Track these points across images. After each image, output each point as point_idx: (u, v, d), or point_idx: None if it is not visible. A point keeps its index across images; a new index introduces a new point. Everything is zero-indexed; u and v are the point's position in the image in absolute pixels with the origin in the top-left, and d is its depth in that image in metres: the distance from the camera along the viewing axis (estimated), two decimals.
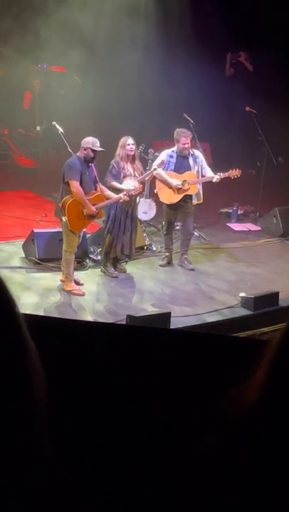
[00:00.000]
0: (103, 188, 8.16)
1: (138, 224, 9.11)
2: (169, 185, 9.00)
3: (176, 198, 9.10)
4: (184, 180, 9.00)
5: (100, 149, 7.90)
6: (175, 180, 8.96)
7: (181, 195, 9.08)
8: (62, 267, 8.11)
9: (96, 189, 8.07)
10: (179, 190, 9.01)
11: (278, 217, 11.28)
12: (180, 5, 12.81)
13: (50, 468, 1.02)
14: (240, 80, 14.87)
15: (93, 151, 7.84)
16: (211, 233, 11.01)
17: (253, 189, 12.43)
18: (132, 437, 1.96)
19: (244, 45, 15.19)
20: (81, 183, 7.80)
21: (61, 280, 8.16)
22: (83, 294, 8.00)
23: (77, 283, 8.18)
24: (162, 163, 8.99)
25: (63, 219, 7.85)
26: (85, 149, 7.86)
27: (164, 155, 9.13)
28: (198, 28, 12.92)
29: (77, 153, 7.97)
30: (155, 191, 9.21)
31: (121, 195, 8.15)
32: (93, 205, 7.89)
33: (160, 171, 8.98)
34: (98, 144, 7.87)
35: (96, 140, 7.88)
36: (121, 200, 8.19)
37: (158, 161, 9.05)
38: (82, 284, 8.24)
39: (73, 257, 8.05)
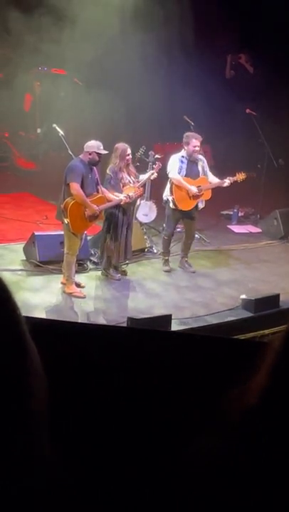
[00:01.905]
0: (104, 190, 8.16)
1: (138, 226, 9.10)
2: (187, 192, 8.96)
3: (192, 204, 9.06)
4: (199, 186, 8.98)
5: (105, 152, 7.91)
6: (194, 188, 8.94)
7: (196, 201, 9.06)
8: (63, 270, 8.11)
9: (98, 191, 8.07)
10: (194, 196, 8.99)
11: (279, 219, 11.30)
12: (180, 7, 12.82)
13: (50, 468, 1.02)
14: (241, 82, 14.89)
15: (98, 154, 7.83)
16: (211, 235, 11.02)
17: (253, 191, 12.44)
18: (132, 437, 1.96)
19: (244, 47, 15.21)
20: (83, 186, 7.80)
21: (62, 283, 8.16)
22: (84, 297, 7.99)
23: (78, 285, 8.19)
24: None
25: (65, 221, 7.84)
26: (90, 154, 7.83)
27: (176, 160, 9.02)
28: (199, 30, 12.93)
29: (80, 156, 7.95)
30: (171, 197, 9.03)
31: (121, 197, 8.16)
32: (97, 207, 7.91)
33: (178, 177, 8.92)
34: (102, 147, 7.87)
35: (99, 143, 7.87)
36: (122, 202, 8.19)
37: (173, 167, 8.95)
38: (83, 287, 8.24)
39: (75, 259, 8.05)
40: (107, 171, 8.34)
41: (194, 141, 8.96)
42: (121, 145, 8.38)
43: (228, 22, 13.41)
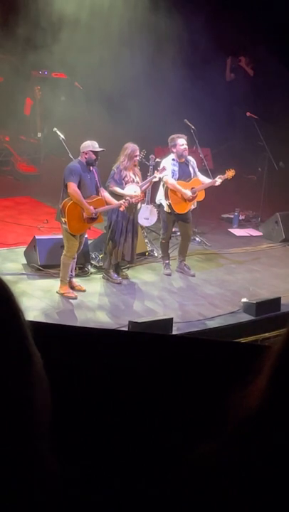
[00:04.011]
0: (105, 193, 8.17)
1: (139, 230, 9.10)
2: (182, 195, 8.95)
3: (187, 206, 9.06)
4: (192, 188, 8.99)
5: (101, 149, 7.94)
6: (188, 191, 8.93)
7: (191, 204, 9.07)
8: (60, 271, 8.11)
9: (97, 194, 8.09)
10: (189, 199, 8.98)
11: (280, 223, 11.29)
12: (180, 9, 12.82)
13: (50, 472, 1.02)
14: (241, 85, 14.88)
15: (94, 152, 7.87)
16: (212, 239, 11.00)
17: (254, 194, 12.44)
18: (134, 440, 1.96)
19: (244, 50, 15.21)
20: (82, 187, 7.84)
21: None
22: (75, 297, 8.00)
23: (73, 287, 8.18)
24: (164, 168, 8.92)
25: (63, 221, 7.87)
26: (86, 153, 7.89)
27: (168, 164, 8.96)
28: (199, 32, 12.93)
29: (78, 158, 8.01)
30: (168, 202, 9.00)
31: (122, 201, 8.14)
32: (93, 209, 7.92)
33: (173, 182, 8.91)
34: (97, 145, 7.92)
35: (94, 142, 7.94)
36: (121, 208, 8.17)
37: (168, 172, 8.91)
38: (84, 291, 8.24)
39: (71, 262, 8.06)
40: (113, 168, 8.40)
41: (181, 141, 8.97)
42: (131, 145, 8.44)
43: (229, 24, 13.41)
